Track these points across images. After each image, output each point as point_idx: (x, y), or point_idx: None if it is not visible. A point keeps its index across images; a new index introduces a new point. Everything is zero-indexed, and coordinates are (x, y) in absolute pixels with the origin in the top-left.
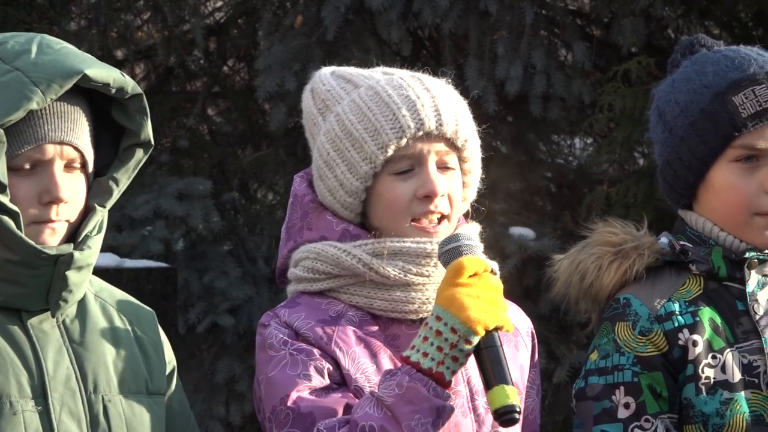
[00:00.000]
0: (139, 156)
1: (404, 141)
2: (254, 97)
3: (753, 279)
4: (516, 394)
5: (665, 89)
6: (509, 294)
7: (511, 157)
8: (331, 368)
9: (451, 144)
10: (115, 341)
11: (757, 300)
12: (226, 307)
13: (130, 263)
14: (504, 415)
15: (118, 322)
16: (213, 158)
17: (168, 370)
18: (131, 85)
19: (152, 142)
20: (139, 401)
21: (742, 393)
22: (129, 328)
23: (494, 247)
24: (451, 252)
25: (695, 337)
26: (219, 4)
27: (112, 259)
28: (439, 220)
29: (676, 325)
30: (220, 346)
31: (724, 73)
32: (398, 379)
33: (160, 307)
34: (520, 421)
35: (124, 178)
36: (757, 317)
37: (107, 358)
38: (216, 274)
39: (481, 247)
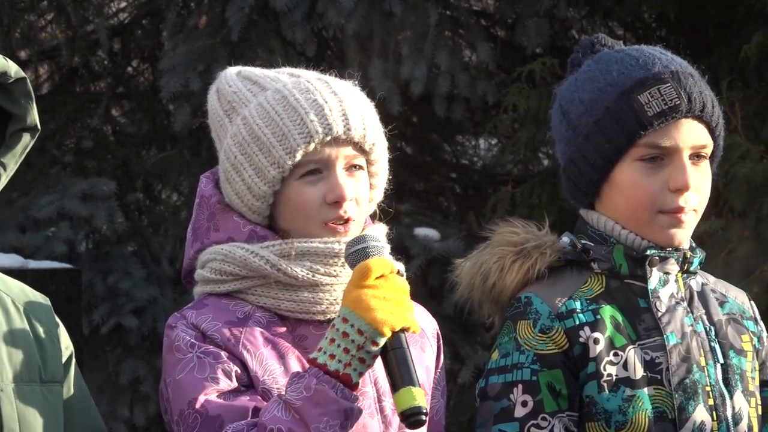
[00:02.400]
0: (26, 141)
1: (312, 146)
2: (158, 98)
3: (654, 276)
4: (423, 395)
5: (568, 88)
6: (414, 295)
7: (415, 157)
8: (238, 370)
9: (359, 147)
10: (8, 331)
11: (659, 297)
12: (131, 308)
13: (33, 264)
14: (411, 416)
15: (12, 312)
16: (117, 159)
17: (65, 357)
18: (14, 69)
19: (39, 126)
20: (32, 390)
21: (645, 390)
22: (23, 316)
23: (399, 247)
24: (357, 253)
25: (596, 334)
26: (123, 4)
27: (15, 260)
28: (347, 222)
29: (577, 322)
30: (124, 348)
31: (629, 72)
32: (306, 381)
33: (64, 308)
34: (427, 423)
35: (11, 163)
36: (659, 314)
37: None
38: (120, 275)
39: (387, 248)
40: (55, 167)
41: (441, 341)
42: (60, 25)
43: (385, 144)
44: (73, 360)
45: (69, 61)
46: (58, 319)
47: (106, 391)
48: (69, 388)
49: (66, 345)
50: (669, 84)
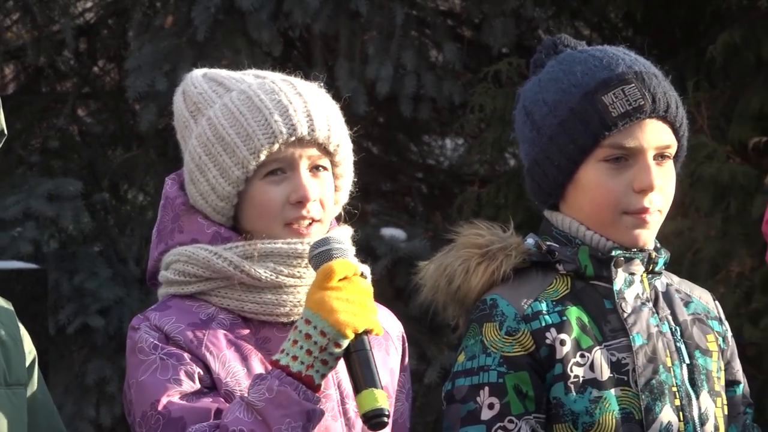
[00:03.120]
0: None
1: (276, 146)
2: (124, 98)
3: (620, 277)
4: (385, 397)
5: (532, 89)
6: (380, 295)
7: (382, 157)
8: (201, 372)
9: (323, 149)
10: None
11: (624, 298)
12: (97, 308)
13: None
14: (373, 418)
15: None
16: (83, 159)
17: (28, 361)
18: None
19: (5, 131)
20: None
21: (612, 391)
22: None
23: (365, 248)
24: (321, 255)
25: (563, 336)
26: (89, 4)
27: None
28: (311, 224)
29: (543, 324)
30: (90, 348)
31: (592, 73)
32: (268, 383)
33: (30, 308)
34: (390, 425)
35: None
36: (625, 315)
37: None
38: (86, 275)
39: (352, 250)
40: (21, 167)
41: (406, 344)
42: (26, 25)
43: (350, 146)
44: (36, 364)
45: (35, 60)
46: (20, 324)
47: (72, 391)
48: (33, 391)
49: (29, 349)
50: (633, 84)
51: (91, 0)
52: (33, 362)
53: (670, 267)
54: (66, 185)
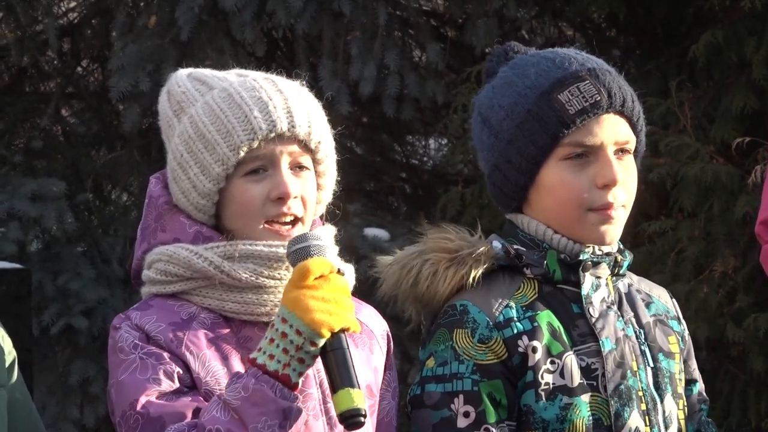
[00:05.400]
0: None
1: (256, 142)
2: (108, 98)
3: (587, 281)
4: (362, 397)
5: (486, 95)
6: (364, 296)
7: (365, 157)
8: (181, 372)
9: (305, 146)
10: None
11: (592, 302)
12: (81, 309)
13: None
14: (349, 418)
15: None
16: (67, 159)
17: (8, 362)
18: None
19: None
20: None
21: (582, 397)
22: None
23: (349, 247)
24: (298, 252)
25: (534, 343)
26: (72, 4)
27: None
28: (293, 223)
29: (515, 331)
30: (74, 348)
31: (546, 73)
32: (244, 381)
33: (13, 308)
34: (375, 424)
35: None
36: (593, 320)
37: None
38: (70, 275)
39: (331, 247)
40: (4, 167)
41: (391, 342)
42: (9, 25)
43: (332, 144)
44: (16, 364)
45: (18, 60)
46: (0, 325)
47: (55, 391)
48: (13, 392)
49: (9, 350)
50: (588, 81)
51: (75, 0)
52: (13, 363)
53: (655, 267)
54: (49, 185)
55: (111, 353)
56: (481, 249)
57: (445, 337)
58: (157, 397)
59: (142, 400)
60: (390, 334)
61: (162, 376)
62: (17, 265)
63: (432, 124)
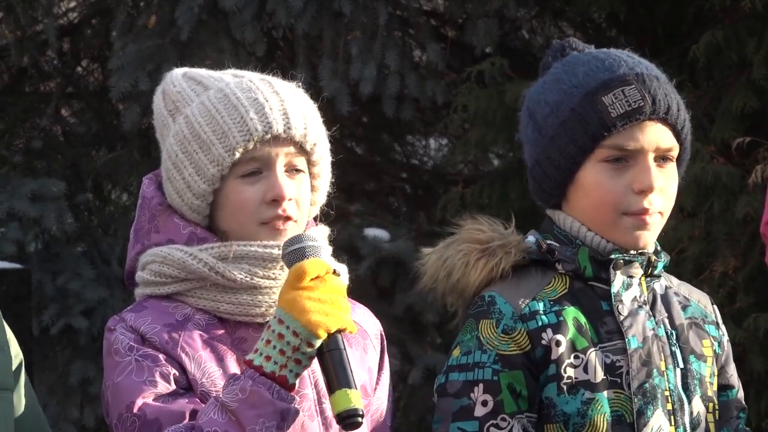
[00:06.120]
0: None
1: (252, 144)
2: (108, 98)
3: (618, 280)
4: (359, 397)
5: (536, 90)
6: (364, 295)
7: (365, 157)
8: (177, 373)
9: (300, 147)
10: None
11: (621, 301)
12: (80, 309)
13: None
14: (347, 419)
15: None
16: (67, 159)
17: (15, 365)
18: None
19: None
20: None
21: (604, 393)
22: None
23: (349, 248)
24: (294, 253)
25: (558, 336)
26: (72, 4)
27: None
28: (286, 222)
29: (540, 324)
30: (74, 348)
31: (594, 74)
32: (241, 383)
33: (13, 308)
34: (370, 424)
35: None
36: (621, 318)
37: None
38: (70, 275)
39: (326, 248)
40: (4, 168)
41: (384, 342)
42: (9, 25)
43: (328, 146)
44: (23, 368)
45: (18, 61)
46: (7, 327)
47: (55, 392)
48: (19, 396)
49: (15, 353)
50: (633, 86)
51: (75, 0)
52: (20, 366)
53: None
54: (49, 185)
55: (106, 355)
56: (512, 241)
57: (472, 327)
58: (153, 399)
59: (139, 402)
60: (383, 334)
61: (158, 378)
62: (17, 265)
63: (432, 124)
